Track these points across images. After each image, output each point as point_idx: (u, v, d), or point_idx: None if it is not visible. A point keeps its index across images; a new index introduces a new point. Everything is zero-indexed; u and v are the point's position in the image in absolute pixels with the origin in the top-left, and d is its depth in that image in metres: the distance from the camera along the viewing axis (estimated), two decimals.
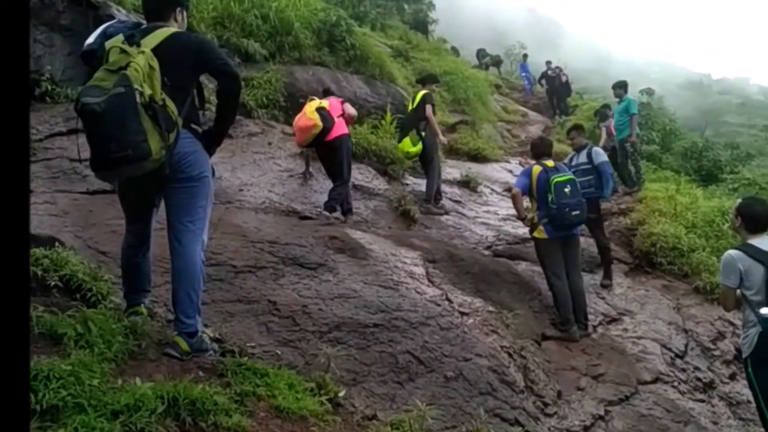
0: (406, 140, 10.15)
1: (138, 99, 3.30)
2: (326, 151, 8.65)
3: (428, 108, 10.31)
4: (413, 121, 10.30)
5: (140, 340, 3.60)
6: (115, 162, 3.34)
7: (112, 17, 8.62)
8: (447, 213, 10.36)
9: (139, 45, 3.56)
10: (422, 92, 10.56)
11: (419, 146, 10.12)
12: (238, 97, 4.09)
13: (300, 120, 8.45)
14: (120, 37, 3.62)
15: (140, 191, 3.87)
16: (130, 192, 3.95)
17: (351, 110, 9.03)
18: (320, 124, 8.20)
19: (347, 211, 8.54)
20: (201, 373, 3.52)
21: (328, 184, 8.89)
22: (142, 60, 3.44)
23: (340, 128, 8.52)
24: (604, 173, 8.74)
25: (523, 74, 30.75)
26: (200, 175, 3.84)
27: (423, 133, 10.19)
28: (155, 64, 3.50)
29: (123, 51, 3.48)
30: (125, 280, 4.08)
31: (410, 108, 10.61)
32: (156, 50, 3.58)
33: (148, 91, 3.38)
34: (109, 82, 3.31)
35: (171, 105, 3.54)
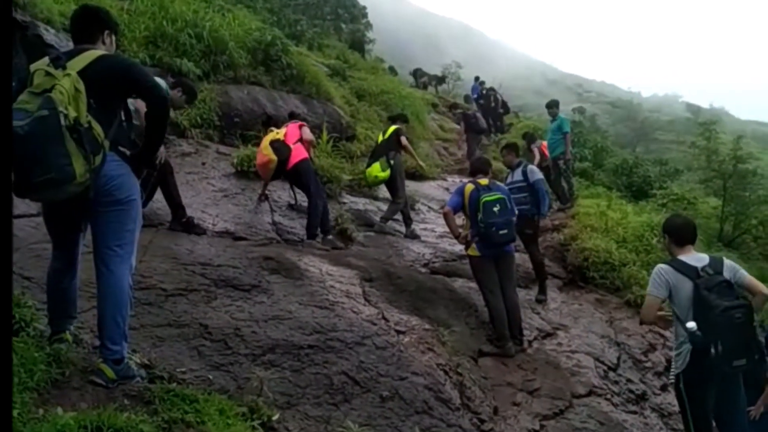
0: (376, 165, 10.65)
1: (62, 122, 3.25)
2: (293, 179, 9.03)
3: (404, 139, 11.03)
4: (384, 150, 10.78)
5: (64, 367, 3.50)
6: (38, 185, 3.27)
7: (40, 37, 8.45)
8: (416, 237, 10.71)
9: (64, 68, 3.50)
10: (395, 126, 11.13)
11: (387, 172, 10.61)
12: (166, 120, 4.04)
13: (258, 157, 8.81)
14: (46, 59, 3.56)
15: (66, 215, 3.80)
16: (56, 216, 3.87)
17: (307, 135, 9.25)
18: (274, 158, 8.53)
19: (325, 232, 8.85)
20: (127, 401, 3.43)
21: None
22: (67, 83, 3.38)
23: (299, 154, 8.76)
24: (540, 191, 8.91)
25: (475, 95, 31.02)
26: (128, 198, 3.78)
27: (392, 162, 10.66)
28: (81, 86, 3.45)
29: (48, 74, 3.42)
30: (50, 306, 3.98)
31: (381, 139, 11.10)
32: (83, 72, 3.52)
33: (73, 114, 3.32)
34: (34, 105, 3.25)
35: (97, 128, 3.49)
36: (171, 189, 7.41)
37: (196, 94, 8.35)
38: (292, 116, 10.30)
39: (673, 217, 6.17)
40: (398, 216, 11.33)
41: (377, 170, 10.65)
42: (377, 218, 10.88)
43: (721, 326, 4.72)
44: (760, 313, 5.51)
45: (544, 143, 16.00)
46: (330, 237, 8.88)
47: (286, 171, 8.76)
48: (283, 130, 8.98)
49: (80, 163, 3.32)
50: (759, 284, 5.07)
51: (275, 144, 8.65)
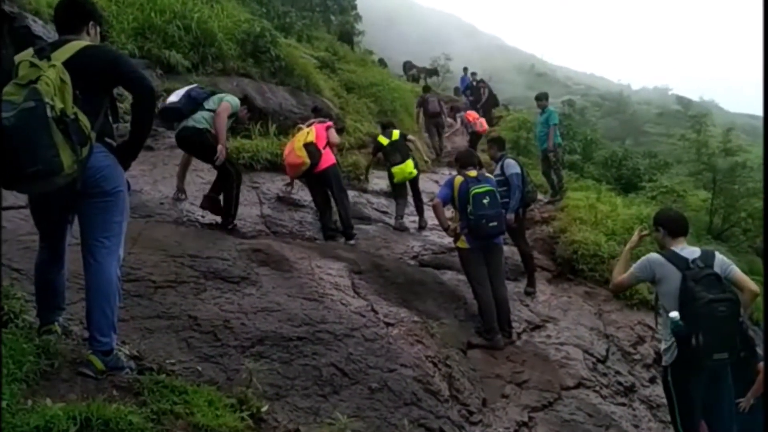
0: (410, 162, 10.89)
1: (49, 113, 3.23)
2: (315, 181, 9.19)
3: (410, 136, 11.58)
4: (406, 149, 11.03)
5: (53, 359, 3.50)
6: (26, 177, 3.25)
7: (27, 28, 8.42)
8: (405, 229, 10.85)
9: (49, 59, 3.48)
10: (398, 131, 11.39)
11: (416, 171, 10.97)
12: (153, 110, 4.03)
13: (289, 156, 9.06)
14: (30, 51, 3.54)
15: (53, 207, 3.79)
16: (43, 207, 3.85)
17: (334, 138, 9.59)
18: (308, 161, 8.83)
19: (348, 236, 9.16)
20: (116, 392, 3.43)
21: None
22: (52, 73, 3.36)
23: (328, 159, 9.08)
24: (511, 184, 8.81)
25: (464, 87, 30.80)
26: (115, 189, 3.77)
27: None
28: (66, 77, 3.43)
29: (33, 65, 3.40)
30: (39, 297, 3.97)
31: (387, 142, 11.12)
32: (67, 63, 3.51)
33: (59, 105, 3.30)
34: (19, 97, 3.23)
35: (83, 119, 3.47)
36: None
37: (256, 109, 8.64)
38: (316, 111, 10.74)
39: (666, 209, 6.18)
40: (389, 209, 11.38)
41: (411, 167, 10.88)
42: (366, 210, 10.97)
43: (703, 318, 4.74)
44: (749, 310, 5.51)
45: (470, 112, 16.85)
46: (354, 241, 9.12)
47: (312, 173, 8.99)
48: (312, 130, 9.19)
49: (67, 155, 3.30)
50: (748, 281, 5.07)
51: (309, 147, 8.89)
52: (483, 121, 18.49)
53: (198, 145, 7.59)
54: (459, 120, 18.14)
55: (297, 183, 10.01)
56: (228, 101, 7.68)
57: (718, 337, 4.76)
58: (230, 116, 7.77)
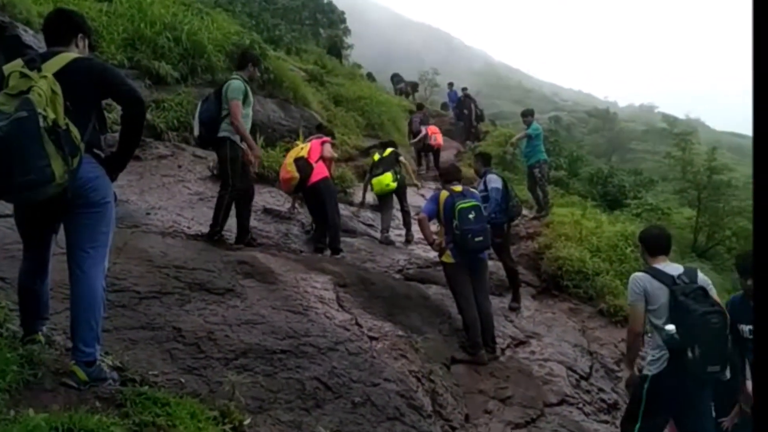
0: (389, 174, 11.06)
1: (41, 123, 3.25)
2: (309, 195, 9.24)
3: (402, 158, 11.76)
4: (390, 164, 11.25)
5: (36, 369, 3.49)
6: (17, 187, 3.27)
7: (18, 38, 8.40)
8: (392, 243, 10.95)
9: (39, 69, 3.50)
10: (391, 149, 11.71)
11: (395, 184, 11.05)
12: (142, 122, 4.04)
13: (281, 172, 9.23)
14: (19, 61, 3.55)
15: (40, 216, 3.78)
16: (29, 217, 3.85)
17: (328, 153, 9.53)
18: (297, 175, 8.90)
19: (335, 251, 9.08)
20: (98, 404, 3.42)
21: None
22: (44, 84, 3.39)
23: (320, 172, 9.11)
24: (489, 198, 8.86)
25: (451, 103, 30.84)
26: (103, 200, 3.77)
27: (398, 176, 11.16)
28: (58, 88, 3.45)
29: (24, 75, 3.41)
30: (22, 307, 3.96)
31: (378, 158, 11.54)
32: (57, 75, 3.53)
33: (51, 116, 3.33)
34: (10, 107, 3.25)
35: (74, 130, 3.49)
36: (244, 214, 7.96)
37: (259, 59, 8.56)
38: (320, 128, 10.76)
39: (650, 227, 6.26)
40: (375, 222, 11.42)
41: (389, 179, 11.00)
42: (352, 223, 11.02)
43: (698, 330, 4.76)
44: None
45: (431, 127, 18.36)
46: (340, 255, 9.06)
47: (305, 188, 9.06)
48: (307, 146, 9.28)
49: (59, 165, 3.32)
50: (720, 305, 5.12)
51: (299, 162, 8.96)
52: (439, 136, 18.70)
53: (220, 157, 7.59)
54: (423, 130, 18.40)
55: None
56: (233, 97, 7.33)
57: (712, 349, 4.79)
58: (244, 101, 7.48)
